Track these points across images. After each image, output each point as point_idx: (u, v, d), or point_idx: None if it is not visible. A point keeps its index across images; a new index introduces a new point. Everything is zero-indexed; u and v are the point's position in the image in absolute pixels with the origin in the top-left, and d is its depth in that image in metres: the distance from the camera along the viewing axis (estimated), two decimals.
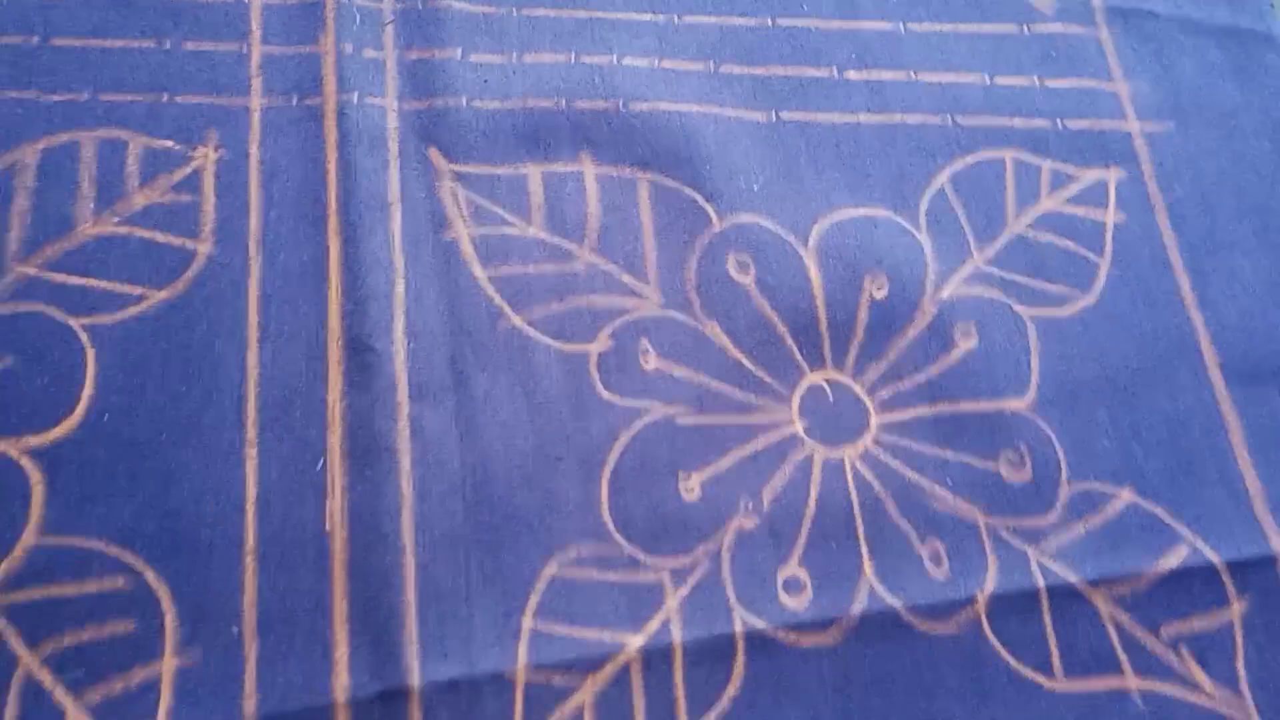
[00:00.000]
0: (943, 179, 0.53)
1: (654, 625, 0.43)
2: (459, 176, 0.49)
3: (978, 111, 0.55)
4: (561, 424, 0.46)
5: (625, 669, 0.42)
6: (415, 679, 0.41)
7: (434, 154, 0.50)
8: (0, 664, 0.39)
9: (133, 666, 0.40)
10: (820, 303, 0.49)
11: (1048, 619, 0.45)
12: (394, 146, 0.50)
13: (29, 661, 0.39)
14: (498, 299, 0.47)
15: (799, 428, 0.47)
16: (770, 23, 0.56)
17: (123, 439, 0.43)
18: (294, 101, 0.50)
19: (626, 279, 0.48)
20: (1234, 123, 0.57)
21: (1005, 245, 0.52)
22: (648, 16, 0.54)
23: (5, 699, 0.39)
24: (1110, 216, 0.54)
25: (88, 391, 0.43)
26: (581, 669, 0.42)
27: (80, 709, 0.39)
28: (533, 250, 0.49)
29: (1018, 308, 0.51)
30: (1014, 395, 0.49)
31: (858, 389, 0.48)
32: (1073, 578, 0.45)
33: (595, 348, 0.47)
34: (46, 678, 0.39)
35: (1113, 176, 0.55)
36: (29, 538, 0.41)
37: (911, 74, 0.56)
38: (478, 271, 0.48)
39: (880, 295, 0.50)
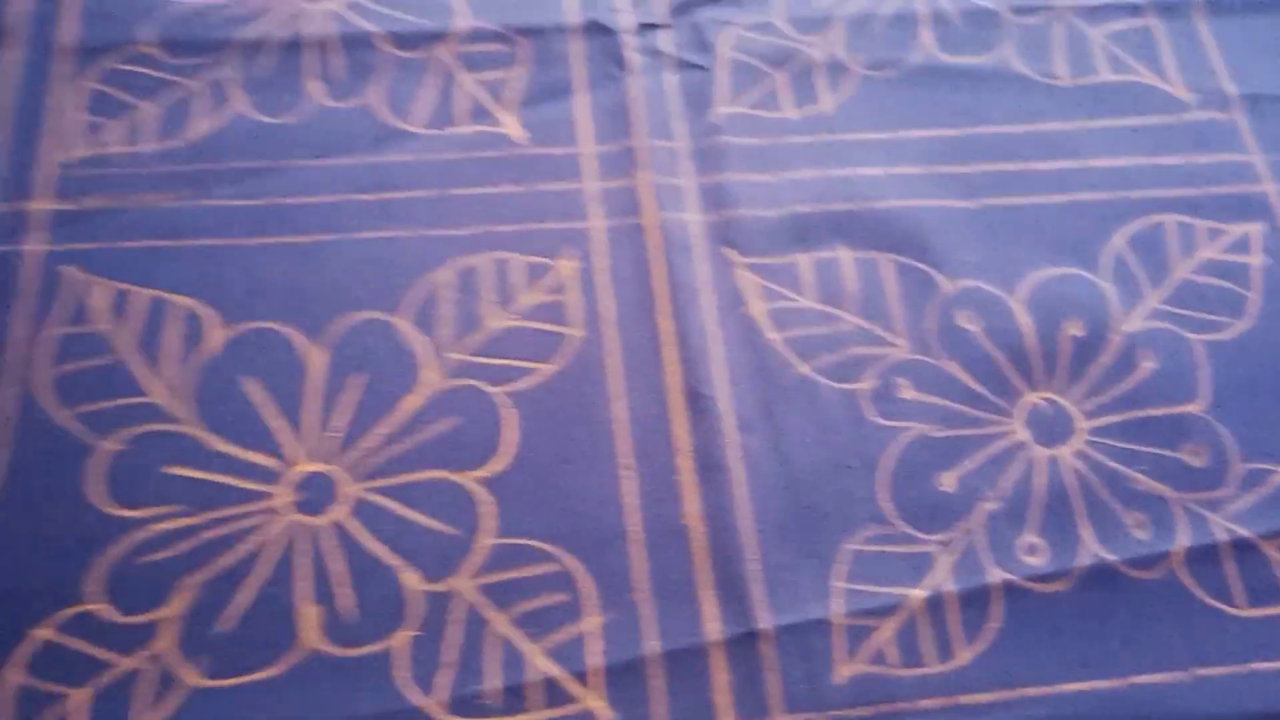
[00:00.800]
0: (1119, 240, 0.70)
1: (931, 581, 0.60)
2: (749, 266, 0.68)
3: (1143, 186, 0.72)
4: (846, 442, 0.63)
5: (913, 614, 0.60)
6: (763, 625, 0.59)
7: (729, 251, 0.69)
8: (479, 624, 0.58)
9: (568, 623, 0.59)
10: (1032, 342, 0.67)
11: (1229, 564, 0.61)
12: (700, 248, 0.69)
13: (500, 621, 0.58)
14: (788, 354, 0.66)
15: (1024, 435, 0.64)
16: (973, 131, 0.74)
17: (540, 468, 0.62)
18: (625, 221, 0.69)
19: (882, 334, 0.67)
20: None
21: (1173, 287, 0.69)
22: (877, 135, 0.73)
23: (483, 647, 0.58)
24: (1256, 260, 0.70)
25: (513, 437, 0.63)
26: (880, 615, 0.59)
27: (537, 652, 0.58)
28: (810, 317, 0.67)
29: (1187, 334, 0.67)
30: (1189, 401, 0.65)
31: (1066, 403, 0.65)
32: (1246, 533, 0.62)
33: (865, 385, 0.65)
34: (512, 632, 0.58)
35: (1255, 229, 0.71)
36: (487, 539, 0.60)
37: (1087, 162, 0.73)
38: (771, 335, 0.66)
39: (1077, 333, 0.67)
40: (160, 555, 0.56)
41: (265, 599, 0.56)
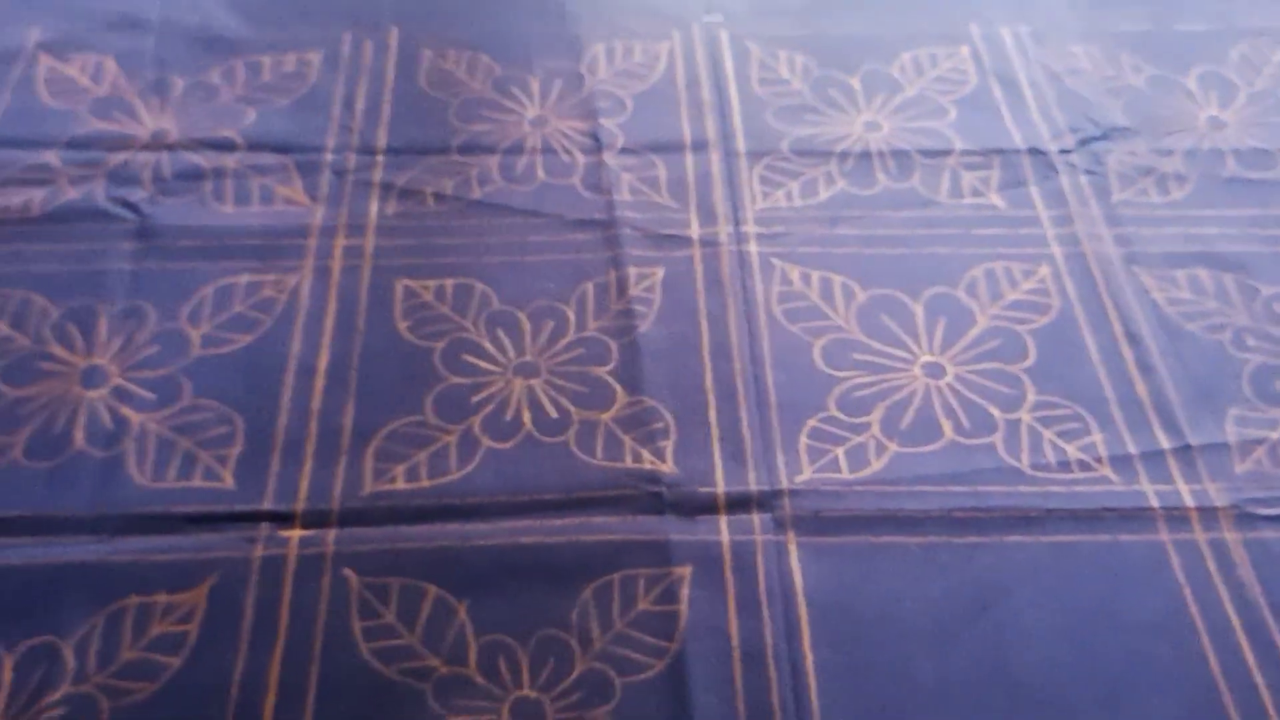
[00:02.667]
0: None
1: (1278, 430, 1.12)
2: (1150, 275, 1.23)
3: None
4: (1217, 364, 1.16)
5: (1273, 445, 1.12)
6: (1191, 442, 1.11)
7: (1136, 268, 1.23)
8: (1038, 434, 1.12)
9: (1082, 436, 1.12)
10: None
11: None
12: (1118, 265, 1.20)
13: (1046, 435, 1.12)
14: (1178, 318, 1.18)
15: None
16: (1264, 212, 1.29)
17: (1052, 365, 1.13)
18: (1073, 249, 1.24)
19: (1229, 311, 1.20)
20: None
21: None
22: (1209, 212, 1.29)
23: (1041, 444, 1.12)
24: None
25: (1033, 350, 1.17)
26: (1254, 445, 1.10)
27: (1072, 448, 1.11)
28: (1188, 301, 1.19)
29: None
30: None
31: None
32: None
33: (1225, 337, 1.19)
34: (1055, 439, 1.12)
35: None
36: (1031, 396, 1.14)
37: None
38: (1168, 309, 1.18)
39: None
40: (860, 393, 1.10)
41: (920, 417, 1.07)
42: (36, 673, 0.83)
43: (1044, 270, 1.12)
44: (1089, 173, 1.21)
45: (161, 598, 0.87)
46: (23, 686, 0.82)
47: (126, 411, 0.97)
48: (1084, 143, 1.24)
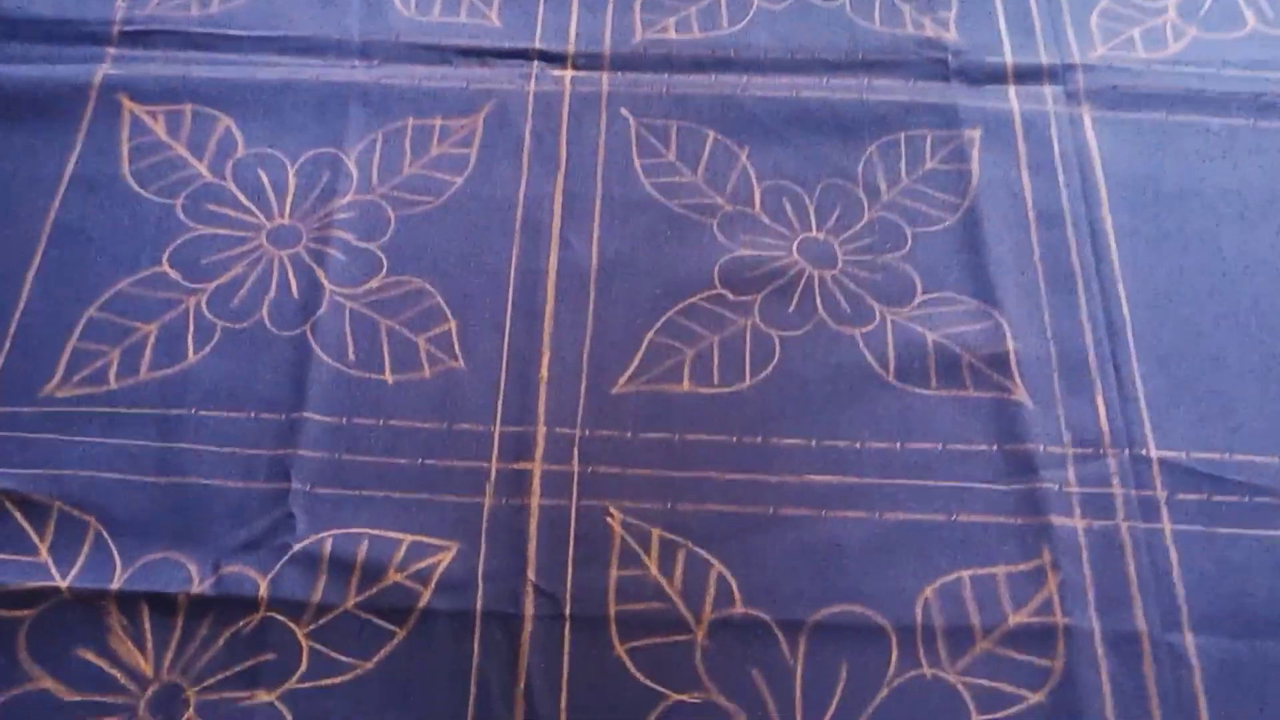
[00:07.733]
0: None
1: None
2: None
3: None
4: None
5: None
6: None
7: None
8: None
9: None
10: None
11: None
12: None
13: None
14: None
15: None
16: None
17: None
18: None
19: None
20: None
21: None
22: None
23: None
24: None
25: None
26: None
27: None
28: None
29: None
30: None
31: None
32: None
33: None
34: None
35: None
36: None
37: None
38: None
39: None
40: None
41: (1221, 3, 0.98)
42: (322, 178, 0.77)
43: None
44: None
45: (438, 121, 0.80)
46: (308, 190, 0.77)
47: None
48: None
